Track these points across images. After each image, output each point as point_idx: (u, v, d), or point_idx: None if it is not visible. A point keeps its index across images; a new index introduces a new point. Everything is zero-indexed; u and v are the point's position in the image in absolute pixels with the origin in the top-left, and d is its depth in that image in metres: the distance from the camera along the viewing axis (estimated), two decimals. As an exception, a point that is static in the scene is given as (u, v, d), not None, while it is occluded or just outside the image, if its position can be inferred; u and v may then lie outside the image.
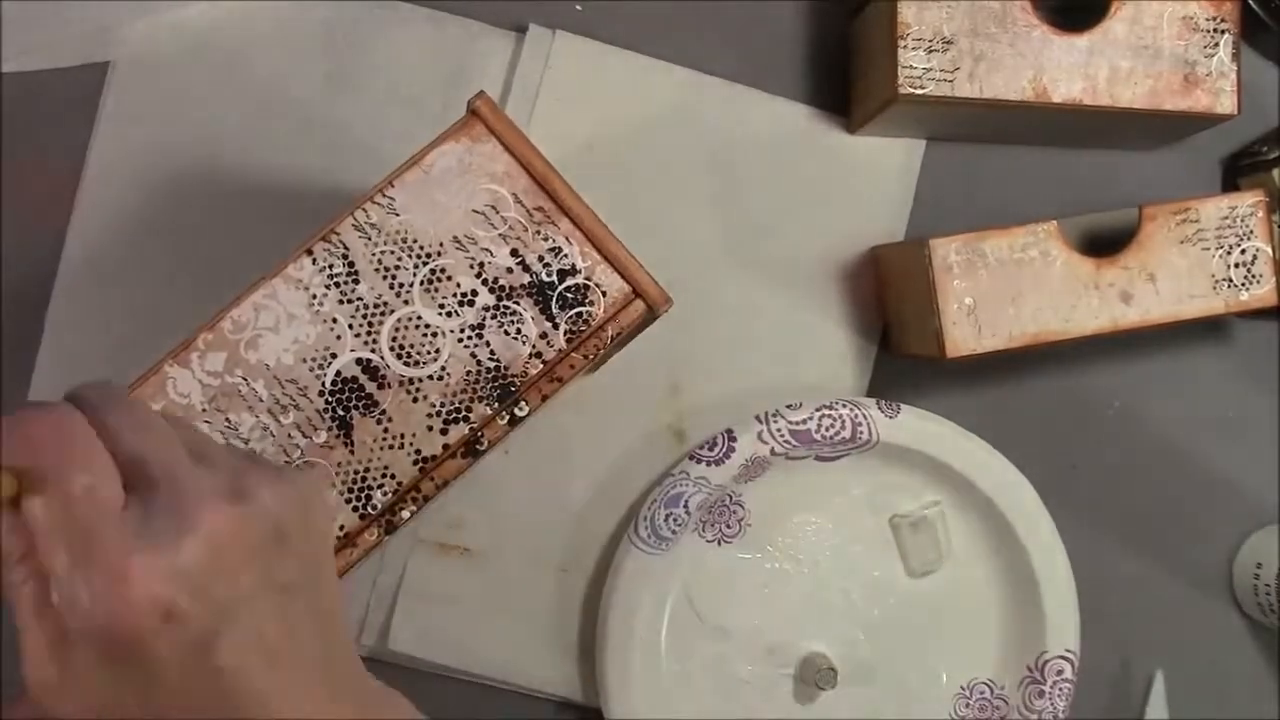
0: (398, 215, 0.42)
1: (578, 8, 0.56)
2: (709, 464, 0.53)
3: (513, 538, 0.55)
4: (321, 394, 0.41)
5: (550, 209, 0.42)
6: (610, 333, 0.43)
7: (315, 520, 0.33)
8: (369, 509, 0.42)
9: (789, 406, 0.53)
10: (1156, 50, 0.53)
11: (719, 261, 0.57)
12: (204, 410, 0.41)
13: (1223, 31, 0.53)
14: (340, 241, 0.42)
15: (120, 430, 0.30)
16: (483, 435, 0.43)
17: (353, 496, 0.42)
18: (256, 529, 0.30)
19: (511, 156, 0.42)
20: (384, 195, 0.42)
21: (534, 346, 0.42)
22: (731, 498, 0.56)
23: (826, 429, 0.53)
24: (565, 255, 0.42)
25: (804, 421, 0.53)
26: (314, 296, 0.42)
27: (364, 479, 0.42)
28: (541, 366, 0.42)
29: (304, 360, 0.42)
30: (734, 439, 0.53)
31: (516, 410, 0.43)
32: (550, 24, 0.56)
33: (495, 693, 0.56)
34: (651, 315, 0.43)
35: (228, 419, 0.41)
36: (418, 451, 0.42)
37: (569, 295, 0.42)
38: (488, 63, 0.55)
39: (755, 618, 0.56)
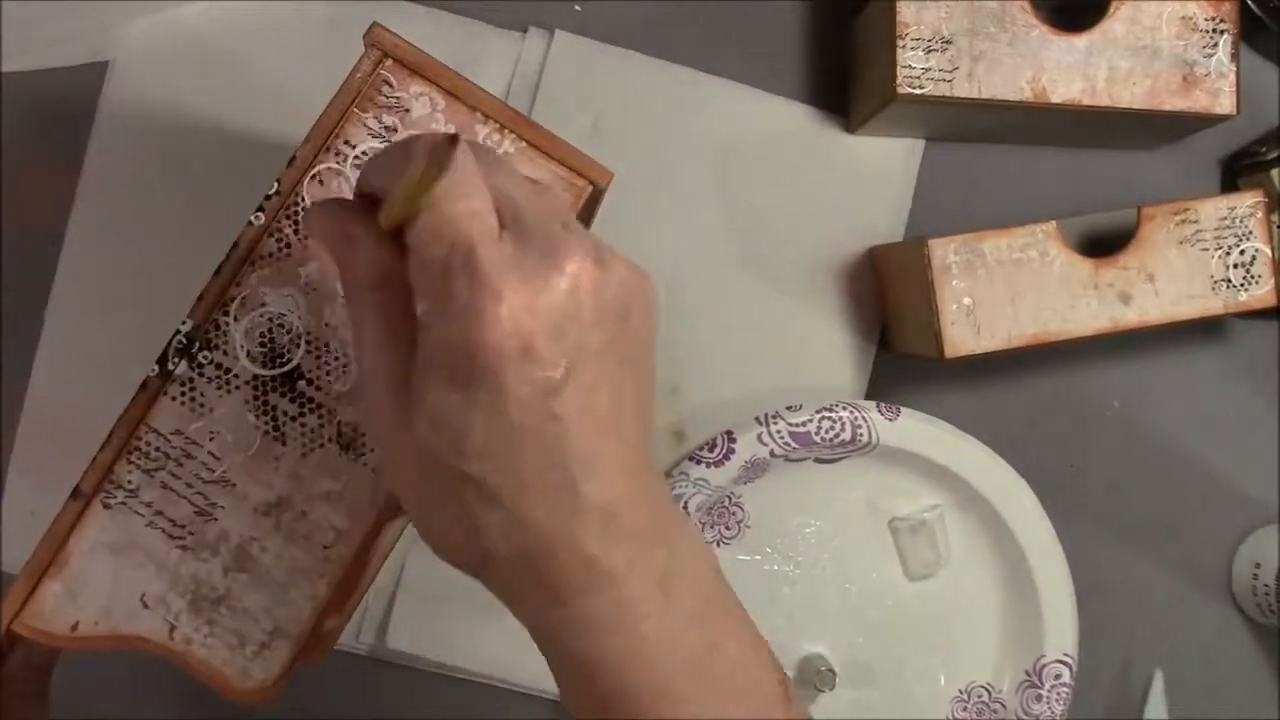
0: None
1: (577, 8, 0.56)
2: (709, 465, 0.53)
3: (512, 538, 0.55)
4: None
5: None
6: None
7: (652, 307, 0.33)
8: None
9: (789, 408, 0.53)
10: (1155, 50, 0.53)
11: (718, 262, 0.57)
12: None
13: (1222, 32, 0.53)
14: None
15: (494, 173, 0.30)
16: None
17: None
18: (611, 294, 0.30)
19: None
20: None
21: None
22: (731, 499, 0.55)
23: (826, 431, 0.53)
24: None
25: (804, 423, 0.53)
26: None
27: None
28: None
29: None
30: (734, 440, 0.53)
31: None
32: (550, 24, 0.56)
33: (495, 692, 0.56)
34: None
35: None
36: None
37: None
38: (488, 62, 0.55)
39: (754, 619, 0.56)
